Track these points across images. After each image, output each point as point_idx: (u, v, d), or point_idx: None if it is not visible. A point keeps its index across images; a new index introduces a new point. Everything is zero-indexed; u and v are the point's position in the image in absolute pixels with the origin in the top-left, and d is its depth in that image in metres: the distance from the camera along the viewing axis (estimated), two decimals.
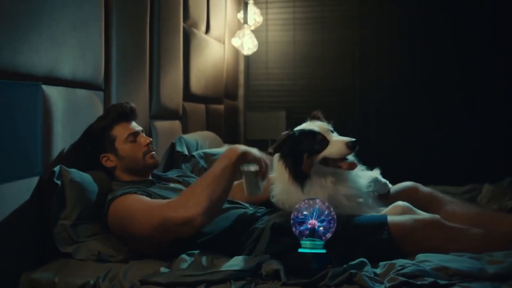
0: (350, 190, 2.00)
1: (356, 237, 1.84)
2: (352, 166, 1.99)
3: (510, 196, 2.66)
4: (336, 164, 1.98)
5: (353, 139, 1.96)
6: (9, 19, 1.73)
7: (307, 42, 4.76)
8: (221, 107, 4.29)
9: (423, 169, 4.08)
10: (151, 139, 2.22)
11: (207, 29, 3.86)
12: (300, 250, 1.70)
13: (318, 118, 2.09)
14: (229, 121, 4.47)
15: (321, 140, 1.98)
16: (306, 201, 1.76)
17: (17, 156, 1.22)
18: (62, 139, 2.02)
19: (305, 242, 1.70)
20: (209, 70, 3.89)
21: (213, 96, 4.03)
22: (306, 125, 2.05)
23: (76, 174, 1.98)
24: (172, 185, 2.20)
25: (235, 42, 4.34)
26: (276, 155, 2.05)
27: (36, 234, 1.91)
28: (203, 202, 1.77)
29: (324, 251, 1.68)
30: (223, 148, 3.41)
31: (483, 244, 1.89)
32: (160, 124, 3.00)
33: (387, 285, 1.59)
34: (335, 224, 1.72)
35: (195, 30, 3.58)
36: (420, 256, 1.79)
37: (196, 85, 3.58)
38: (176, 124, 3.26)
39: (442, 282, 1.60)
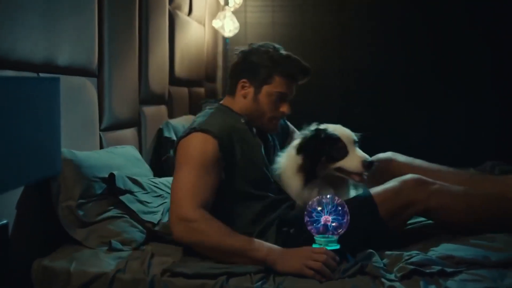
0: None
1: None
2: (362, 180, 1.99)
3: None
4: (349, 175, 1.98)
5: (370, 159, 1.96)
6: (8, 7, 1.67)
7: (287, 24, 4.73)
8: (202, 90, 4.25)
9: (402, 153, 4.14)
10: (287, 113, 2.06)
11: (190, 11, 3.80)
12: (314, 246, 1.70)
13: None
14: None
15: (341, 149, 1.97)
16: (319, 197, 1.76)
17: (38, 155, 1.18)
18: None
19: (320, 239, 1.70)
20: (192, 53, 3.84)
21: (195, 79, 3.99)
22: (334, 128, 2.03)
23: (67, 152, 1.91)
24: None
25: (216, 24, 4.28)
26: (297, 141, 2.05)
27: (44, 218, 1.87)
28: (194, 237, 1.72)
29: (338, 246, 1.70)
30: None
31: (464, 200, 1.92)
32: (148, 110, 2.95)
33: (398, 274, 1.62)
34: (349, 219, 1.72)
35: (179, 12, 3.52)
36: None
37: (180, 68, 3.53)
38: (162, 109, 3.22)
39: (449, 270, 1.65)
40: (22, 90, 1.16)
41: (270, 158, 2.10)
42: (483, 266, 1.67)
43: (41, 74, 1.86)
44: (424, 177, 1.94)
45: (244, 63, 2.05)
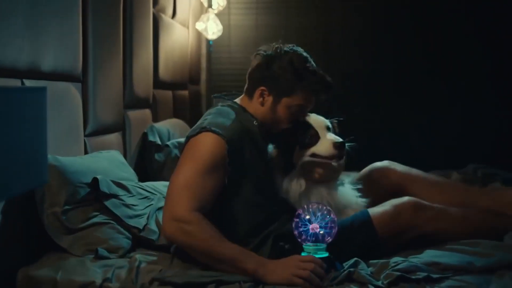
0: (324, 192, 2.01)
1: (345, 239, 1.80)
2: (338, 162, 1.99)
3: (479, 184, 2.75)
4: (325, 160, 1.97)
5: (341, 140, 1.95)
6: None
7: (271, 26, 4.71)
8: (186, 93, 4.24)
9: (401, 154, 4.13)
10: None
11: (174, 14, 3.79)
12: (303, 254, 1.70)
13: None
14: (193, 107, 4.42)
15: (312, 136, 1.98)
16: (307, 205, 1.76)
17: (24, 166, 1.17)
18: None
19: (308, 247, 1.70)
20: (176, 56, 3.82)
21: (179, 82, 3.98)
22: (307, 117, 2.03)
23: (51, 158, 1.89)
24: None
25: (199, 26, 4.26)
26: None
27: (29, 225, 1.84)
28: (185, 239, 1.68)
29: (326, 254, 1.69)
30: None
31: (462, 223, 1.94)
32: (133, 114, 2.93)
33: (385, 281, 1.63)
34: (336, 228, 1.72)
35: (163, 15, 3.50)
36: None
37: (164, 71, 3.51)
38: (147, 112, 3.20)
39: (435, 276, 1.66)
40: (7, 100, 1.15)
41: None
42: (469, 272, 1.69)
43: (25, 81, 1.84)
44: (420, 201, 1.93)
45: (266, 70, 1.97)
